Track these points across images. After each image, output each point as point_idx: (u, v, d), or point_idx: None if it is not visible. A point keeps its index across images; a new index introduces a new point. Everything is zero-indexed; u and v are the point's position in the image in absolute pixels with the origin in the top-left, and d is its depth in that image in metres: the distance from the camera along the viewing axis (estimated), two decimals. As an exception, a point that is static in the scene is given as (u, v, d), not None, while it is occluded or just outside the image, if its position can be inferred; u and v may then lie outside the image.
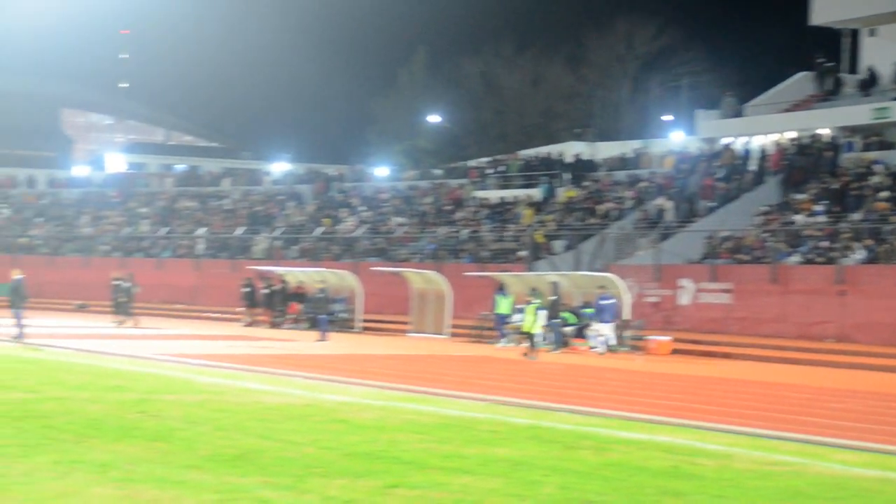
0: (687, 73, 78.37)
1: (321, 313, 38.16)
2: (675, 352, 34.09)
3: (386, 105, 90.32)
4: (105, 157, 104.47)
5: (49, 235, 63.16)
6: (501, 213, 50.90)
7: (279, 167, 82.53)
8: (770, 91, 51.81)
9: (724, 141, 49.39)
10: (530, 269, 42.42)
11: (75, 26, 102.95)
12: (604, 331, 34.17)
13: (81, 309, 52.70)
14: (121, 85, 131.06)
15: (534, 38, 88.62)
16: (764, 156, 45.96)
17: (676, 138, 60.25)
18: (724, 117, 50.91)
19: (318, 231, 54.39)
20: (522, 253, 45.23)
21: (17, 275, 32.56)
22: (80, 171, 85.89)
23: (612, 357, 32.83)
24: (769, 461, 13.62)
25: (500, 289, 38.53)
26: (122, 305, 42.27)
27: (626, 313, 35.52)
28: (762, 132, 49.27)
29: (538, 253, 44.95)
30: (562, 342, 34.84)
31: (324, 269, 45.80)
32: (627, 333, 35.19)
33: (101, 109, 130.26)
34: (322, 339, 36.15)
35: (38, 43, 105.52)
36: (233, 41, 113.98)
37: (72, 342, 30.75)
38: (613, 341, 34.18)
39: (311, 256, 51.78)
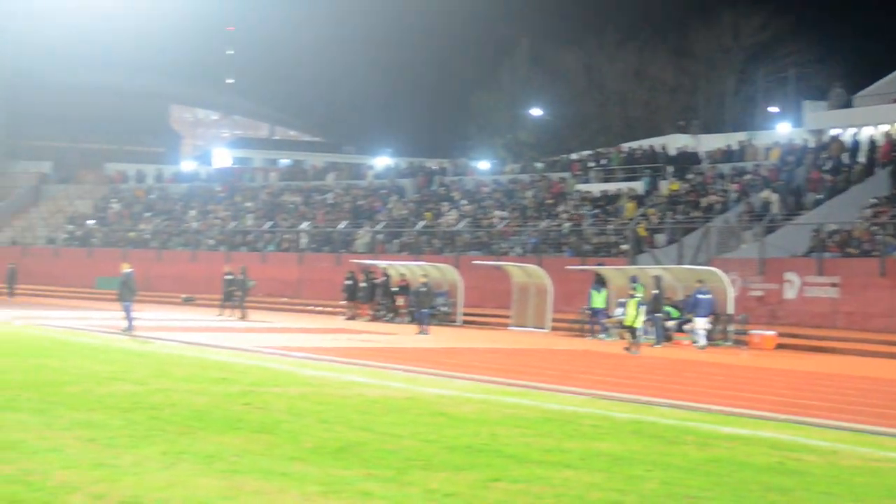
0: (794, 63, 77.08)
1: (423, 307, 38.31)
2: (780, 346, 33.60)
3: (488, 98, 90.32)
4: (211, 153, 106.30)
5: (157, 230, 64.36)
6: (603, 206, 50.60)
7: (381, 161, 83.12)
8: (879, 81, 50.78)
9: (832, 132, 48.53)
10: (632, 263, 42.14)
11: (182, 24, 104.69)
12: (699, 325, 33.79)
13: (188, 302, 53.57)
14: (227, 81, 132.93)
15: (637, 30, 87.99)
16: (873, 147, 45.04)
17: (783, 130, 59.33)
18: (832, 108, 50.03)
19: (420, 225, 54.61)
20: (625, 247, 44.92)
21: (126, 269, 33.26)
22: (187, 166, 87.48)
23: (715, 351, 32.45)
24: (877, 458, 13.37)
25: (596, 283, 38.35)
26: (236, 299, 42.88)
27: (730, 307, 35.10)
28: (871, 123, 48.33)
29: (640, 246, 44.62)
30: (664, 336, 34.57)
31: (425, 263, 46.00)
32: (731, 328, 34.77)
33: (207, 105, 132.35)
34: (423, 333, 36.31)
35: (147, 41, 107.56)
36: (336, 37, 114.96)
37: (179, 335, 31.27)
38: (705, 337, 33.73)
39: (413, 250, 52.03)
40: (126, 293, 32.32)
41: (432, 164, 69.38)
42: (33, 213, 73.37)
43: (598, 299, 37.47)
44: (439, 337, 35.44)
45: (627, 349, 30.45)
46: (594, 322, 37.65)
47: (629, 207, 48.82)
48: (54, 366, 21.15)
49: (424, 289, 39.25)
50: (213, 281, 50.49)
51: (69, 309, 46.08)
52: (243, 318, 41.48)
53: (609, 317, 37.03)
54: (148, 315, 39.49)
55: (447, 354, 28.30)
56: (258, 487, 10.43)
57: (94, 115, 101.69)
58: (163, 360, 23.32)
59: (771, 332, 34.20)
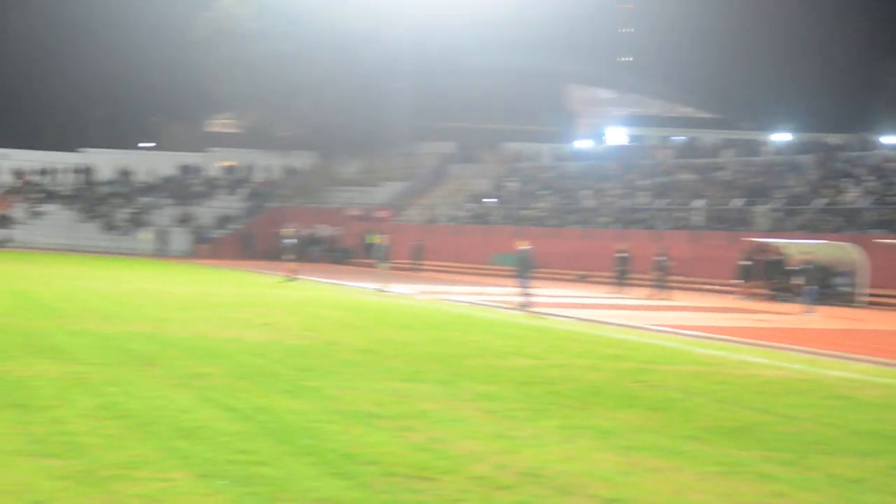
0: None
1: (817, 286, 36.96)
2: None
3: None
4: (606, 131, 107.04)
5: (552, 207, 65.56)
6: None
7: (779, 137, 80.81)
8: None
9: None
10: None
11: (580, 2, 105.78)
12: None
13: (582, 279, 54.26)
14: (623, 59, 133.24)
15: None
16: None
17: None
18: None
19: (820, 202, 52.68)
20: None
21: (523, 246, 34.10)
22: (582, 144, 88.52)
23: None
24: None
25: None
26: (658, 280, 43.29)
27: None
28: None
29: None
30: None
31: (824, 241, 44.38)
32: None
33: (603, 84, 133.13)
34: (810, 312, 34.98)
35: (546, 21, 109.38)
36: (732, 11, 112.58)
37: (573, 311, 31.72)
38: None
39: (811, 228, 50.28)
40: (523, 270, 33.12)
41: (833, 139, 66.65)
42: (437, 191, 76.65)
43: None
44: (838, 318, 34.12)
45: None
46: None
47: None
48: (455, 339, 22.00)
49: (820, 267, 37.79)
50: (605, 258, 50.85)
51: (467, 284, 47.82)
52: (659, 297, 41.51)
53: None
54: (542, 291, 40.36)
55: (847, 336, 27.22)
56: (654, 465, 10.46)
57: (494, 95, 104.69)
58: (558, 336, 23.76)
59: None
